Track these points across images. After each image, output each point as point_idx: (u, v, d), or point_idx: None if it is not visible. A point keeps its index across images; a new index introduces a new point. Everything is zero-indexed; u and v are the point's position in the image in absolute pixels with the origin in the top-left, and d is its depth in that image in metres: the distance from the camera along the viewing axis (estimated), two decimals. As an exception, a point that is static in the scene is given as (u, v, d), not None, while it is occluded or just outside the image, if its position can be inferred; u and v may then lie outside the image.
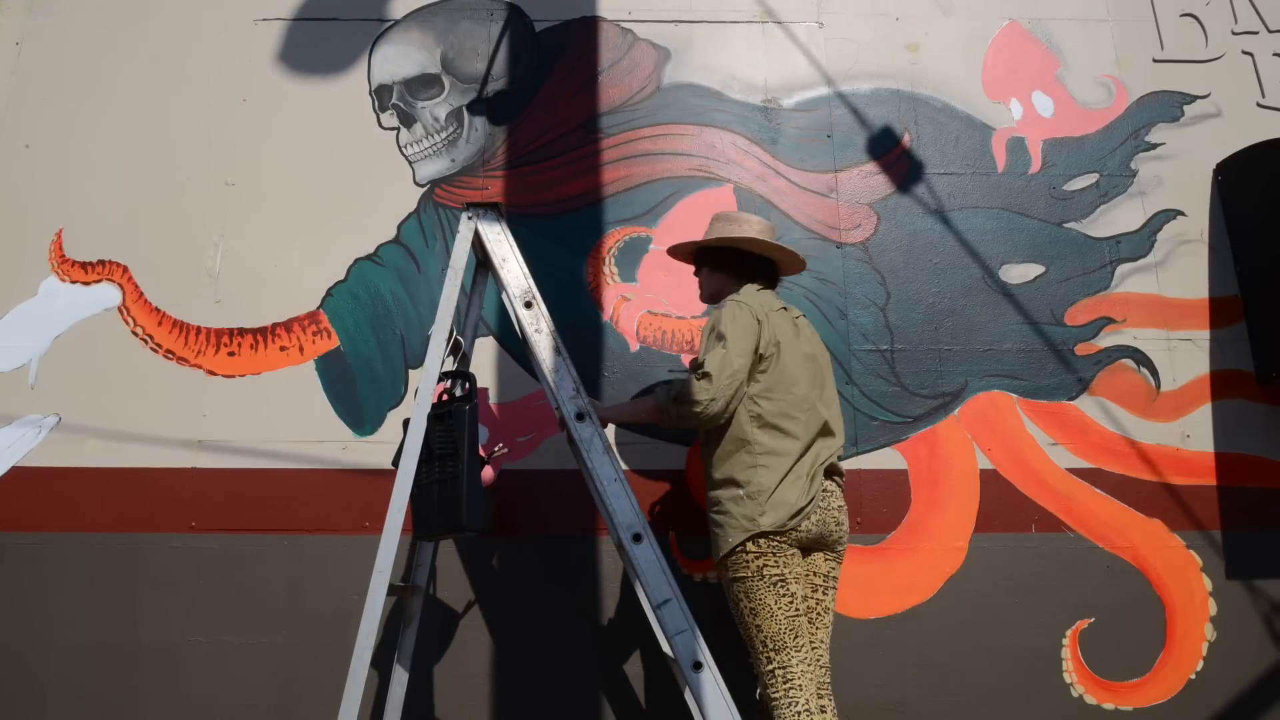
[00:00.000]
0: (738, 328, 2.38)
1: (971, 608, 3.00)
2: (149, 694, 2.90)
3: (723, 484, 2.38)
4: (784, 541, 2.29)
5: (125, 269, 3.29)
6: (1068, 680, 2.97)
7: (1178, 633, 3.01)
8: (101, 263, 3.30)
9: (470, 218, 2.70)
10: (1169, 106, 3.57)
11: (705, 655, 2.29)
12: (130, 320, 3.24)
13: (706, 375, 2.34)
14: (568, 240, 3.33)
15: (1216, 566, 3.07)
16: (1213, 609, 3.04)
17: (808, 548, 2.38)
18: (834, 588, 2.44)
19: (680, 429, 2.51)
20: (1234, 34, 3.67)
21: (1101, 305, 3.33)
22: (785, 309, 2.55)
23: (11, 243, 3.31)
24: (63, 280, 3.28)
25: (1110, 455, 3.17)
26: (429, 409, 2.48)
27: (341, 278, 3.29)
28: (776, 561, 2.27)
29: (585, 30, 3.58)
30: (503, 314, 3.22)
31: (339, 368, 3.19)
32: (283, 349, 3.22)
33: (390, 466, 2.60)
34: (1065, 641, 3.00)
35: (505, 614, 2.98)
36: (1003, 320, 3.31)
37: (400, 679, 2.62)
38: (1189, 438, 3.20)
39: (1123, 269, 3.37)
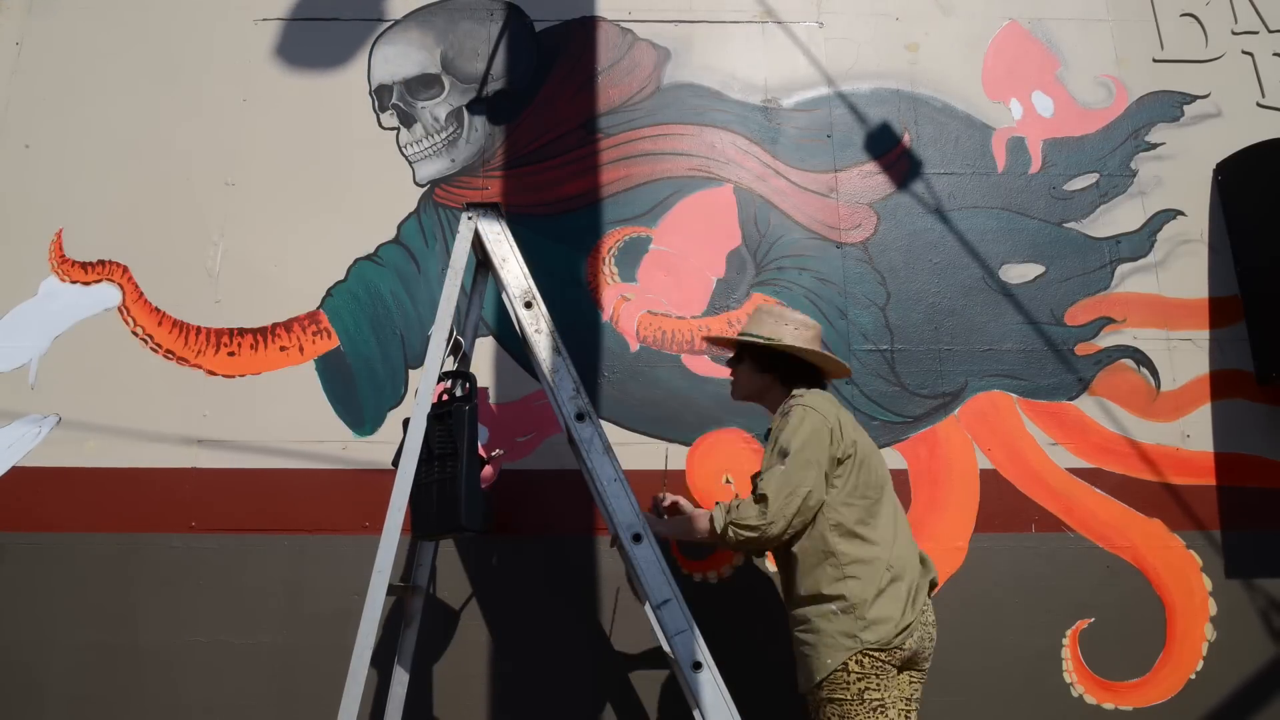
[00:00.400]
0: (804, 437, 2.24)
1: (971, 608, 3.00)
2: (148, 694, 2.90)
3: (809, 599, 2.22)
4: (888, 661, 2.14)
5: (125, 269, 3.29)
6: (1068, 680, 2.97)
7: (1178, 632, 3.01)
8: (101, 263, 3.30)
9: (470, 218, 2.70)
10: (1169, 106, 3.56)
11: (705, 655, 2.28)
12: (130, 320, 3.24)
13: (763, 498, 2.21)
14: (568, 240, 3.33)
15: (1216, 566, 3.07)
16: (1213, 609, 3.03)
17: (900, 667, 2.21)
18: (917, 709, 2.26)
19: (741, 552, 2.44)
20: (1234, 34, 3.67)
21: (1101, 305, 3.33)
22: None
23: (11, 243, 3.31)
24: (63, 280, 3.28)
25: (1110, 455, 3.17)
26: (429, 409, 2.48)
27: (341, 278, 3.29)
28: (879, 685, 2.12)
29: (585, 30, 3.58)
30: (503, 314, 3.22)
31: (339, 368, 3.19)
32: (283, 349, 3.21)
33: (390, 466, 2.59)
34: (1065, 641, 3.00)
35: (505, 614, 2.98)
36: (1003, 320, 3.31)
37: (400, 679, 2.62)
38: (1189, 438, 3.20)
39: (1123, 269, 3.37)
